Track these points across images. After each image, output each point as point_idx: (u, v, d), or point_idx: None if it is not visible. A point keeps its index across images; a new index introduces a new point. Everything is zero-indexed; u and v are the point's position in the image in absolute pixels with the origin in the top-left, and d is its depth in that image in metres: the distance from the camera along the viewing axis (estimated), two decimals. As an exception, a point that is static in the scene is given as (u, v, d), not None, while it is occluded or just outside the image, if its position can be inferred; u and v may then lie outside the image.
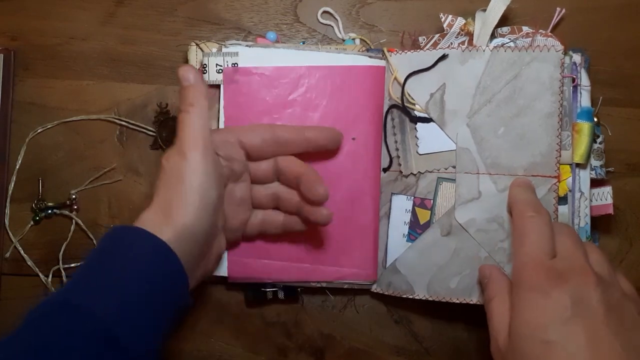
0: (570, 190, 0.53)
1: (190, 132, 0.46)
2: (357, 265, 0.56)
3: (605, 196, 0.55)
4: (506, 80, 0.53)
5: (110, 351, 0.38)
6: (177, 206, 0.44)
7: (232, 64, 0.54)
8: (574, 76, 0.54)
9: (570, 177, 0.53)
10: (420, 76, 0.55)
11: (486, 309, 0.48)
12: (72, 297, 0.39)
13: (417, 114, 0.55)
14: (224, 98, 0.54)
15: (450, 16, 0.56)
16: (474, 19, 0.55)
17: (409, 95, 0.55)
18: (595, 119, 0.55)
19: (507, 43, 0.54)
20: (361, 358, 0.59)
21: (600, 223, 0.57)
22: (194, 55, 0.56)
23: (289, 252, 0.55)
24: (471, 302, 0.53)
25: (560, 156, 0.52)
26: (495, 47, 0.53)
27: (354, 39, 0.59)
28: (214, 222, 0.47)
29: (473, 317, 0.58)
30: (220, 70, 0.54)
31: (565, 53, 0.52)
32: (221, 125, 0.54)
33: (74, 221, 0.59)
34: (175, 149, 0.46)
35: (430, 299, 0.54)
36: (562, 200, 0.53)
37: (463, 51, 0.54)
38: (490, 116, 0.53)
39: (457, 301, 0.54)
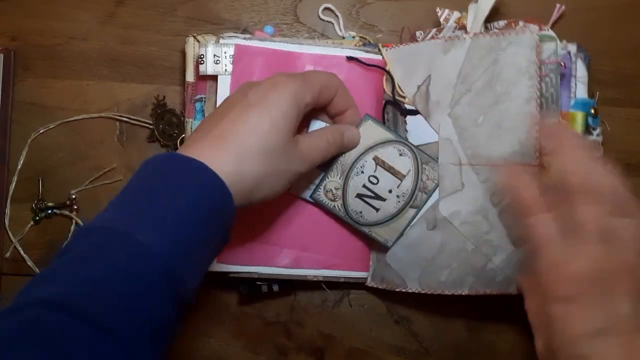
0: None
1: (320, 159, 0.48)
2: (349, 256, 0.56)
3: None
4: (484, 67, 0.51)
5: (167, 288, 0.38)
6: (243, 149, 0.43)
7: (230, 55, 0.54)
8: (560, 61, 0.51)
9: None
10: (409, 69, 0.55)
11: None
12: (132, 230, 0.38)
13: (407, 106, 0.55)
14: (232, 74, 0.54)
15: (446, 10, 0.56)
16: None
17: (400, 88, 0.55)
18: (593, 111, 0.53)
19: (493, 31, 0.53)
20: (361, 358, 0.59)
21: (600, 223, 0.57)
22: (191, 48, 0.56)
23: (280, 236, 0.55)
24: (463, 294, 0.52)
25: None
26: (475, 34, 0.52)
27: (353, 37, 0.59)
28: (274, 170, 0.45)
29: (473, 317, 0.58)
30: (218, 61, 0.54)
31: (540, 36, 0.50)
32: None
33: (74, 221, 0.59)
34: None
35: (422, 292, 0.54)
36: None
37: (446, 41, 0.53)
38: (470, 105, 0.52)
39: (449, 293, 0.53)
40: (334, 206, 0.53)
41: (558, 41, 0.52)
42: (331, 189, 0.53)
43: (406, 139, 0.53)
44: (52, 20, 0.60)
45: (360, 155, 0.52)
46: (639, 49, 0.60)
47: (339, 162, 0.52)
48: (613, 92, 0.59)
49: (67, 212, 0.59)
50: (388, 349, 0.59)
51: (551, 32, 0.52)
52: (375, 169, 0.52)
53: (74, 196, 0.59)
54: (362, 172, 0.52)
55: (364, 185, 0.53)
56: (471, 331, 0.59)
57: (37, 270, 0.59)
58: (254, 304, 0.59)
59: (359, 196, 0.53)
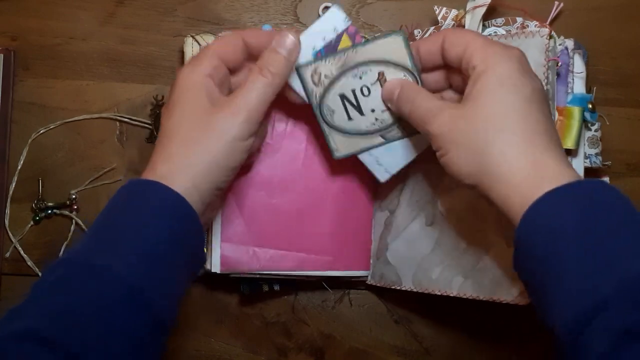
0: None
1: (251, 97, 0.44)
2: (351, 256, 0.56)
3: None
4: None
5: (136, 310, 0.39)
6: (195, 164, 0.43)
7: None
8: (557, 58, 0.51)
9: None
10: None
11: (411, 111, 0.46)
12: (94, 258, 0.39)
13: None
14: None
15: (444, 8, 0.56)
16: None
17: None
18: (590, 106, 0.53)
19: (498, 32, 0.53)
20: (361, 358, 0.59)
21: (600, 223, 0.57)
22: (190, 48, 0.56)
23: (282, 239, 0.55)
24: (451, 295, 0.52)
25: None
26: None
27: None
28: (226, 180, 0.46)
29: (473, 317, 0.59)
30: None
31: (550, 37, 0.50)
32: None
33: (74, 221, 0.59)
34: (228, 102, 0.44)
35: (414, 290, 0.54)
36: None
37: None
38: None
39: (438, 292, 0.53)
40: (312, 90, 0.50)
41: (556, 38, 0.52)
42: (320, 73, 0.49)
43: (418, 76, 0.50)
44: (52, 20, 0.60)
45: (368, 61, 0.49)
46: (639, 49, 0.60)
47: (345, 54, 0.48)
48: (613, 92, 0.59)
49: (67, 212, 0.59)
50: (388, 349, 0.59)
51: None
52: (374, 83, 0.49)
53: (74, 196, 0.59)
54: (360, 77, 0.49)
55: (352, 90, 0.50)
56: (471, 331, 0.59)
57: (37, 270, 0.59)
58: (254, 304, 0.60)
59: (342, 96, 0.50)
